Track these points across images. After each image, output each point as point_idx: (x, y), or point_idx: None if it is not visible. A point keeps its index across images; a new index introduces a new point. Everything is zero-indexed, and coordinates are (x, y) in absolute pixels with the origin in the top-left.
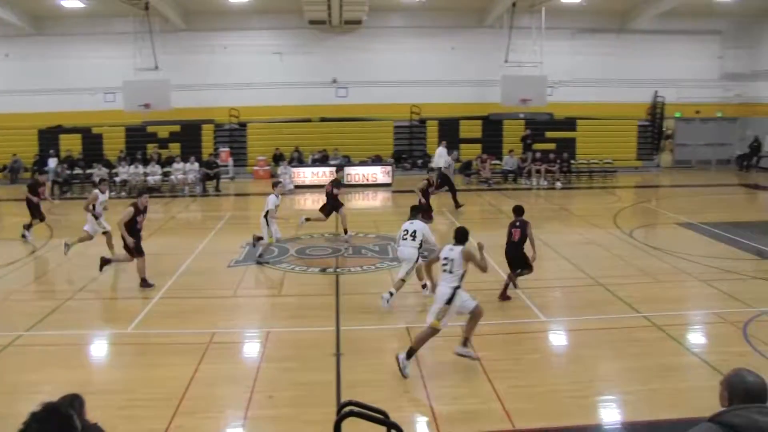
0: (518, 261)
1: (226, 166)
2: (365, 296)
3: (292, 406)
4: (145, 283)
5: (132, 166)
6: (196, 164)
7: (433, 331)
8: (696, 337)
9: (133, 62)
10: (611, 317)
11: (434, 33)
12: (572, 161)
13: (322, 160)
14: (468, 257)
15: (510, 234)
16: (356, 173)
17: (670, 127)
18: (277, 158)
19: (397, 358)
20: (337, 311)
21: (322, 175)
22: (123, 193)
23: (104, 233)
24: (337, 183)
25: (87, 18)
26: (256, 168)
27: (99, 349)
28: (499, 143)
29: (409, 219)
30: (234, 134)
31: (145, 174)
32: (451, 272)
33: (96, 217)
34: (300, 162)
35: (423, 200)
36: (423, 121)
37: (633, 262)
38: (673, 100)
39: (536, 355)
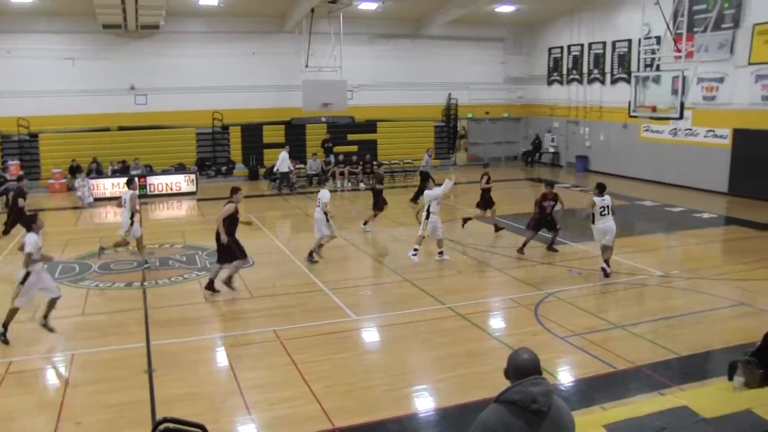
0: (552, 223)
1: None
2: (175, 308)
3: (103, 431)
4: (211, 288)
5: None
6: None
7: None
8: (496, 322)
9: None
10: (419, 311)
11: (234, 38)
12: (375, 162)
13: (122, 171)
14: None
15: (543, 207)
16: (159, 182)
17: (463, 127)
18: (74, 170)
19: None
20: (147, 326)
21: (123, 186)
22: None
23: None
24: (378, 179)
25: None
26: (51, 181)
27: None
28: (302, 147)
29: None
30: (24, 146)
31: None
32: (610, 213)
33: (132, 221)
34: (99, 173)
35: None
36: (226, 128)
37: (436, 256)
38: (465, 101)
39: (350, 353)
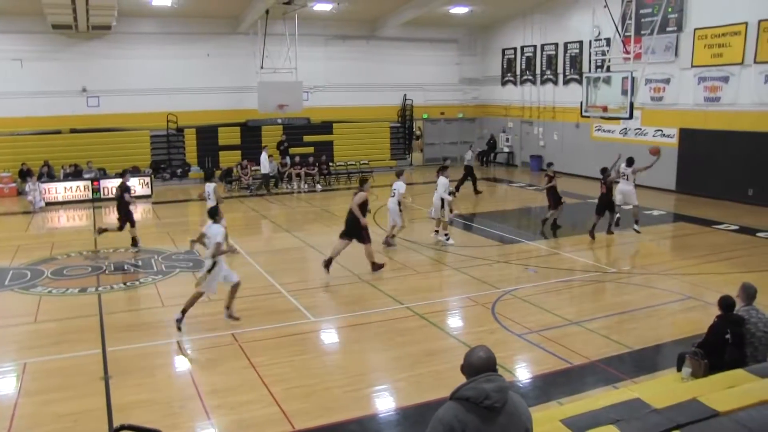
0: (611, 206)
1: None
2: (131, 313)
3: None
4: (376, 267)
5: None
6: None
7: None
8: (453, 321)
9: None
10: (377, 311)
11: (188, 39)
12: (331, 164)
13: (75, 175)
14: (636, 170)
15: (601, 187)
16: (113, 186)
17: (419, 128)
18: (24, 174)
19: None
20: (102, 332)
21: (76, 189)
22: None
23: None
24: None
25: None
26: None
27: None
28: (258, 149)
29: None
30: None
31: None
32: (629, 180)
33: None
34: (51, 177)
35: (548, 190)
36: (180, 130)
37: (394, 256)
38: (420, 102)
39: (309, 354)
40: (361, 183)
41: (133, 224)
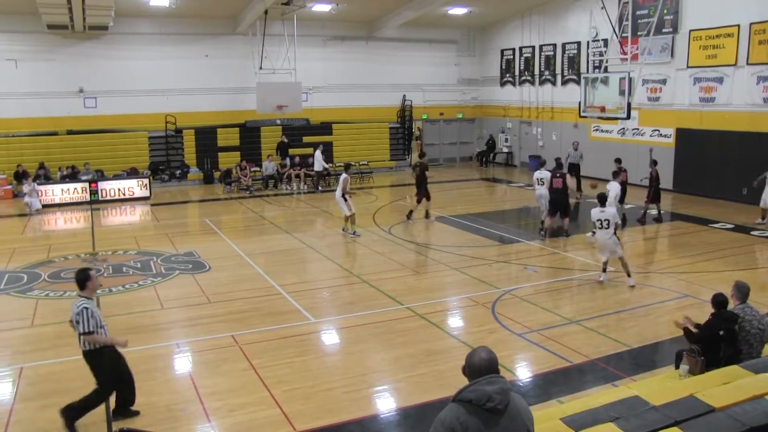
0: (561, 206)
1: None
2: (130, 316)
3: None
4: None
5: None
6: None
7: None
8: (454, 321)
9: None
10: (377, 311)
11: (187, 40)
12: (330, 164)
13: (72, 176)
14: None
15: (552, 182)
16: (111, 188)
17: (418, 128)
18: (20, 176)
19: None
20: None
21: (74, 191)
22: None
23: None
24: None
25: None
26: None
27: None
28: (257, 150)
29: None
30: None
31: None
32: None
33: (345, 200)
34: (47, 179)
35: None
36: (179, 131)
37: (393, 257)
38: (419, 103)
39: (309, 356)
40: (557, 166)
41: (429, 198)
